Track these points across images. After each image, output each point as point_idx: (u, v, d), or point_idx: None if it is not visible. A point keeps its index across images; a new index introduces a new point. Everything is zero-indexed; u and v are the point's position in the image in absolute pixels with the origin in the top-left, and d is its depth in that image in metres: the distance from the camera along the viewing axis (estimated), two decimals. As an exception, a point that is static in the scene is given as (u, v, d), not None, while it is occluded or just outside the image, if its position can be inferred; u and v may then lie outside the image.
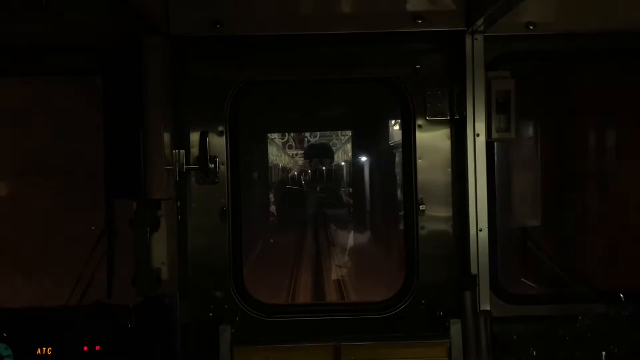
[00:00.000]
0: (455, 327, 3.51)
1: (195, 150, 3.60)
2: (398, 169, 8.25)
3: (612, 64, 4.08)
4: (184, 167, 3.54)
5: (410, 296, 3.68)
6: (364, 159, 12.83)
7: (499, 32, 3.47)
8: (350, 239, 13.34)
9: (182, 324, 3.51)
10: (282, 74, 3.78)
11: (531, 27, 3.47)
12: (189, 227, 3.66)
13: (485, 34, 3.47)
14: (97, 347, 3.18)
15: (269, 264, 9.32)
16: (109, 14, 3.11)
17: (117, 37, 3.29)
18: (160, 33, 3.32)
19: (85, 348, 3.18)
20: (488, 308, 3.49)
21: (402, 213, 3.83)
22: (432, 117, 3.67)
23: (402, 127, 3.83)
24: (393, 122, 9.16)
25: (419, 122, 3.67)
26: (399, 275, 3.92)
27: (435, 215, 3.68)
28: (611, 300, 3.50)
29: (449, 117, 3.65)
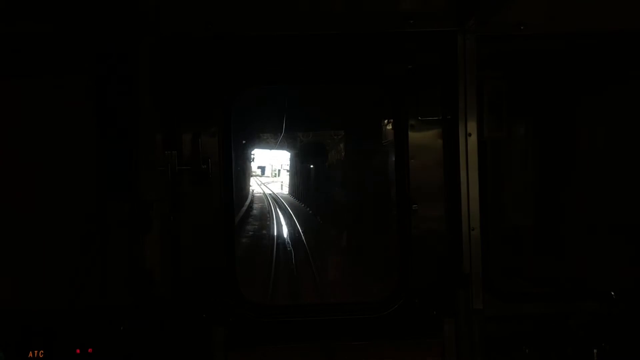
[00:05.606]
0: (449, 326, 3.53)
1: (187, 151, 3.59)
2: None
3: (602, 63, 4.11)
4: (177, 167, 3.53)
5: (404, 296, 3.69)
6: (357, 159, 12.62)
7: (491, 32, 3.49)
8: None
9: (176, 325, 3.50)
10: (275, 74, 3.78)
11: (522, 27, 3.50)
12: (181, 228, 3.64)
13: (477, 34, 3.49)
14: (90, 350, 3.17)
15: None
16: (102, 15, 3.10)
17: (110, 38, 3.28)
18: (153, 34, 3.31)
19: (78, 351, 3.17)
20: (481, 307, 3.51)
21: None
22: (424, 116, 3.68)
23: (394, 127, 3.84)
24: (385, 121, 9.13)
25: (412, 121, 3.68)
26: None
27: (428, 214, 3.69)
28: (603, 298, 3.53)
29: (441, 117, 3.67)
